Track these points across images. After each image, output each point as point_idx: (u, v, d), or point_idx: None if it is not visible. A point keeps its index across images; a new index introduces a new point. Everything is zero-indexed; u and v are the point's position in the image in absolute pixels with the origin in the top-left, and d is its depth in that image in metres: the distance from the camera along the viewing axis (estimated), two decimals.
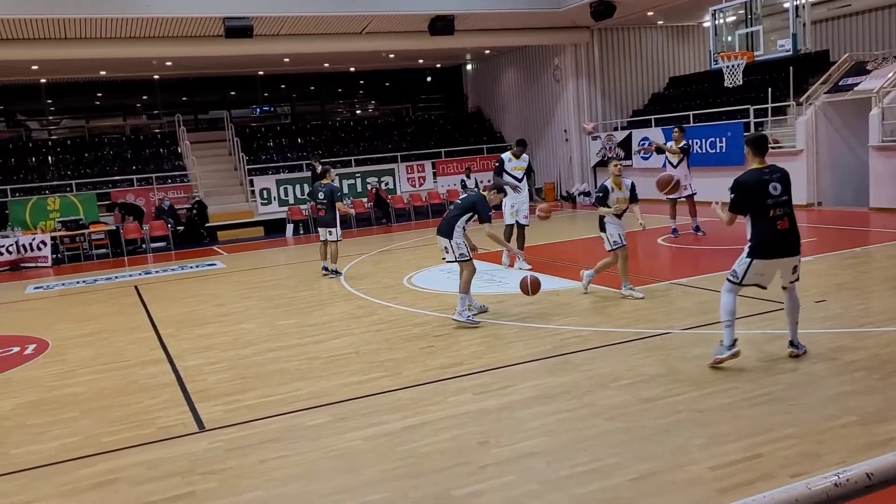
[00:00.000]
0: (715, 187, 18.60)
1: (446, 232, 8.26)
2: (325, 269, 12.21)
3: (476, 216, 8.30)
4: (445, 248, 8.30)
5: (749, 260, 5.93)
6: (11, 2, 14.64)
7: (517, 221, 11.45)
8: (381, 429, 5.25)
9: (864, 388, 5.33)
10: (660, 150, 13.64)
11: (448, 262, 8.46)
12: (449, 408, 5.57)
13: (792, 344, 6.13)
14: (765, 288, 6.13)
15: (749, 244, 5.96)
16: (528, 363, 6.56)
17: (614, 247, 8.81)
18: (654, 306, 8.30)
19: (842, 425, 4.70)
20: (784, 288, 6.08)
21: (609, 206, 8.74)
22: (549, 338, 7.29)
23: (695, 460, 4.38)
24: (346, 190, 21.63)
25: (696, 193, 13.14)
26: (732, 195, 6.00)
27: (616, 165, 8.90)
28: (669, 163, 13.29)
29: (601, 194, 8.81)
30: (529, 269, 10.65)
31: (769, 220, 5.84)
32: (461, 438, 4.97)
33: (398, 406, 5.71)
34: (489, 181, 16.53)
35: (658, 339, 6.94)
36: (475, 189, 19.40)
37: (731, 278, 6.05)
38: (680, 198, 12.89)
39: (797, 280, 6.05)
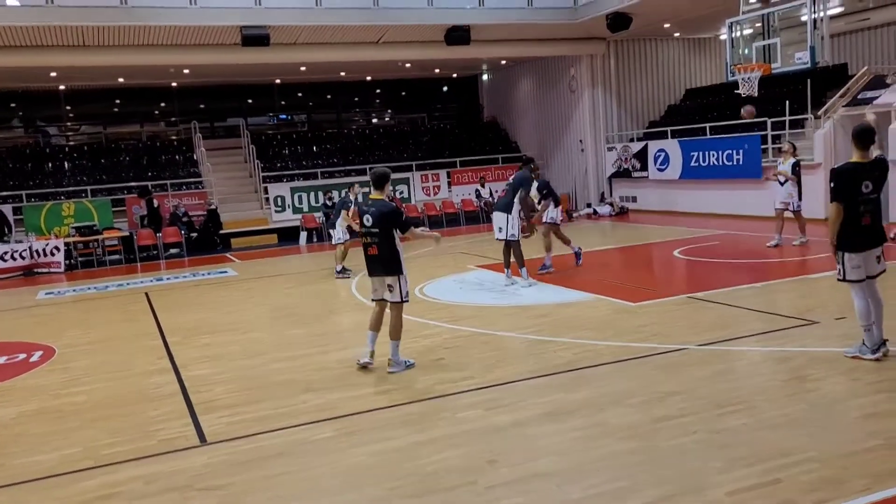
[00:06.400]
0: (732, 199, 18.27)
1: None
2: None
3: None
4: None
5: (840, 253, 6.10)
6: (32, 10, 14.72)
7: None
8: (388, 444, 5.12)
9: (888, 410, 5.13)
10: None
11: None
12: (458, 424, 5.43)
13: (884, 343, 6.21)
14: (874, 276, 6.18)
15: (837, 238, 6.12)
16: (539, 378, 6.40)
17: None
18: (670, 321, 8.12)
19: (866, 449, 4.51)
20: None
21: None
22: (561, 352, 7.13)
23: (711, 484, 4.21)
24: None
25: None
26: (832, 184, 6.12)
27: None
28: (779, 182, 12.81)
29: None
30: (530, 286, 10.59)
31: (855, 216, 5.99)
32: (469, 456, 4.82)
33: (406, 420, 5.58)
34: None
35: (674, 355, 6.77)
36: (491, 198, 19.30)
37: (838, 277, 6.22)
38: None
39: (884, 271, 6.22)
